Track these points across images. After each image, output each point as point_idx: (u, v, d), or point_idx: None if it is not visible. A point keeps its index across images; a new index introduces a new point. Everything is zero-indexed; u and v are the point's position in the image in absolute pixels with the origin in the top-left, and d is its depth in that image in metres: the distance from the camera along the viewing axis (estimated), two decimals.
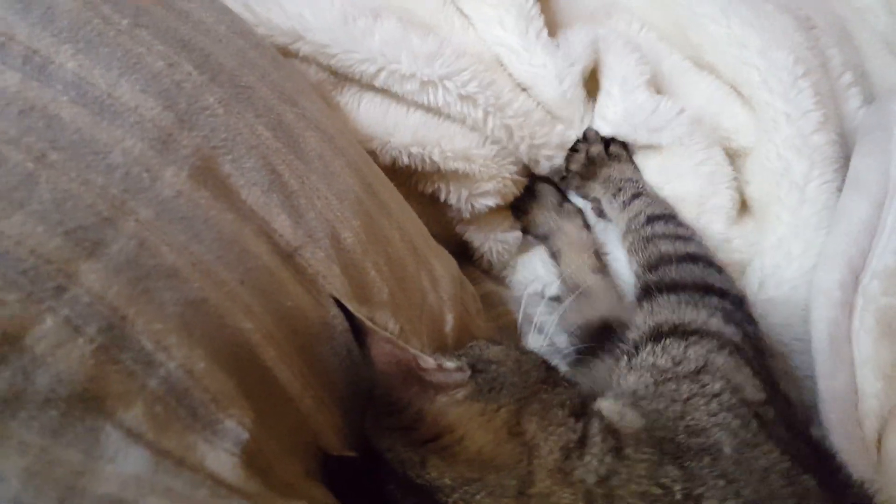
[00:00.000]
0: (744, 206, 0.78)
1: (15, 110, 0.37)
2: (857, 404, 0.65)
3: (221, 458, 0.37)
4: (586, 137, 0.79)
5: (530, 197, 0.83)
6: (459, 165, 0.71)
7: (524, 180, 0.80)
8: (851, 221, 0.68)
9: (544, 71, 0.73)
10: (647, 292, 0.64)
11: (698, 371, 0.53)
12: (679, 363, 0.54)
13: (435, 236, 0.72)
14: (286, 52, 0.66)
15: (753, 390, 0.53)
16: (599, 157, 0.79)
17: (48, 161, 0.37)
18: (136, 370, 0.35)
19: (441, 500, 0.42)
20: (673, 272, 0.66)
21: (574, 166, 0.79)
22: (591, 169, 0.79)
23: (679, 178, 0.76)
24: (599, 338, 0.69)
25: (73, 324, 0.33)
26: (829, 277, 0.68)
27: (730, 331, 0.58)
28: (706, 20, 0.77)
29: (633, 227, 0.74)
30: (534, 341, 0.72)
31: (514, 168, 0.77)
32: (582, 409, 0.48)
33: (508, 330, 0.78)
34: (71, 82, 0.40)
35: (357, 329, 0.46)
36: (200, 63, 0.48)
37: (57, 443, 0.31)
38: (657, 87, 0.79)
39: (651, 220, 0.73)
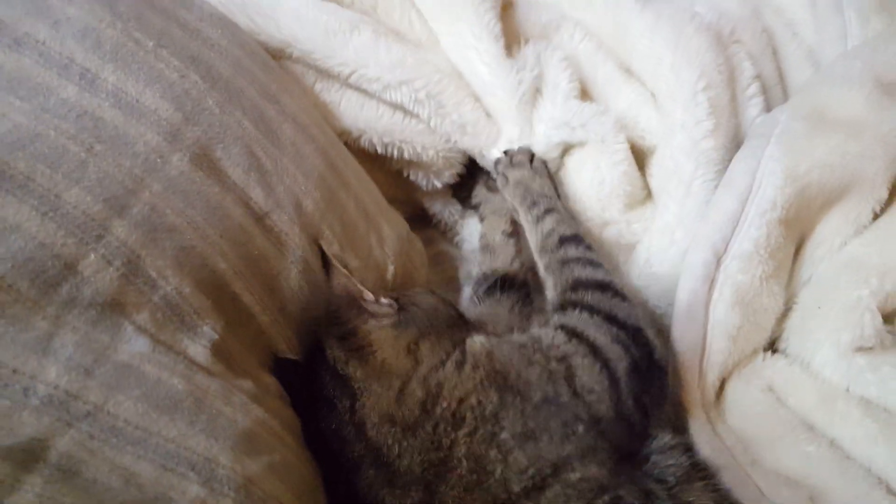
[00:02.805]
0: (649, 196, 0.95)
1: (74, 114, 0.56)
2: (701, 358, 0.83)
3: (198, 349, 0.57)
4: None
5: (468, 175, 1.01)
6: (421, 157, 0.90)
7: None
8: (719, 213, 0.85)
9: (501, 86, 0.90)
10: (563, 306, 0.79)
11: (558, 358, 0.70)
12: (549, 347, 0.71)
13: (400, 202, 0.92)
14: (281, 54, 0.85)
15: (591, 392, 0.69)
16: (520, 163, 0.92)
17: (95, 151, 0.56)
18: (145, 290, 0.55)
19: (351, 385, 0.64)
20: (587, 297, 0.78)
21: (500, 167, 0.94)
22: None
23: (596, 169, 0.92)
24: (492, 286, 0.89)
25: (107, 259, 0.53)
26: (696, 257, 0.85)
27: (612, 350, 0.73)
28: (636, 36, 0.93)
29: (549, 247, 0.85)
30: (466, 292, 0.93)
31: (461, 160, 0.95)
32: (461, 341, 0.69)
33: (453, 281, 0.98)
34: (111, 92, 0.59)
35: (326, 264, 0.67)
36: (204, 74, 0.67)
37: (94, 329, 0.51)
38: (591, 89, 0.95)
39: (563, 241, 0.85)
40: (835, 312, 0.85)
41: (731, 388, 0.85)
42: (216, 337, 0.58)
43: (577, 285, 0.81)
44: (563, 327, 0.75)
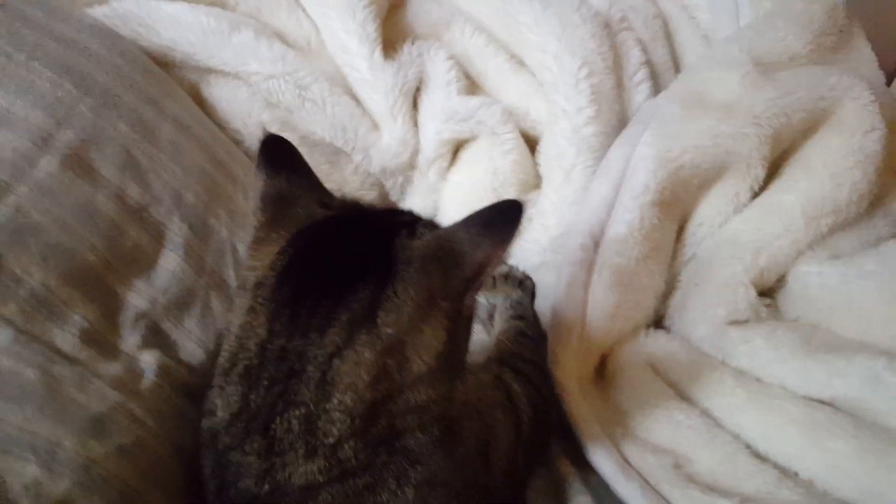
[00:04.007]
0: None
1: None
2: (581, 336, 0.86)
3: (66, 337, 0.62)
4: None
5: None
6: None
7: None
8: (595, 198, 0.89)
9: (380, 87, 0.94)
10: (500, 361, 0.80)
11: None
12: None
13: None
14: (165, 60, 0.90)
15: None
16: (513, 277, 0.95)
17: None
18: (11, 286, 0.60)
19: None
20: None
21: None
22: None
23: (489, 160, 0.97)
24: None
25: None
26: (574, 241, 0.89)
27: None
28: (524, 28, 0.96)
29: (510, 332, 0.87)
30: None
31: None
32: None
33: None
34: None
35: None
36: (78, 82, 0.72)
37: None
38: (483, 83, 0.99)
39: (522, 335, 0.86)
40: (711, 288, 0.89)
41: (611, 363, 0.90)
42: (87, 325, 0.63)
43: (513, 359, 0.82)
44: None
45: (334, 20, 0.93)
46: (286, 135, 0.92)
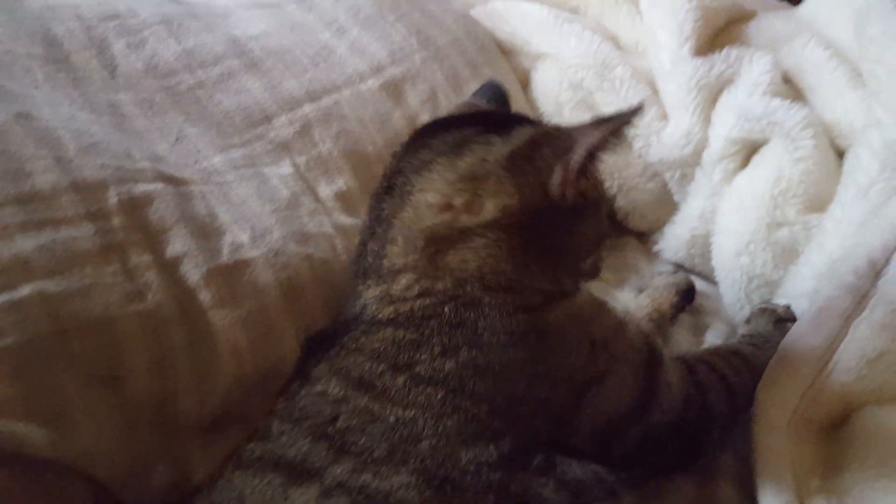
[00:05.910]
0: None
1: (318, 45, 0.91)
2: (818, 372, 0.70)
3: (327, 191, 0.81)
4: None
5: None
6: None
7: None
8: (886, 219, 0.71)
9: (678, 78, 0.96)
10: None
11: None
12: None
13: None
14: (510, 48, 1.12)
15: None
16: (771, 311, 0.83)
17: (318, 66, 0.89)
18: (308, 145, 0.84)
19: None
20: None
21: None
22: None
23: (773, 166, 0.86)
24: None
25: (291, 120, 0.85)
26: (847, 264, 0.72)
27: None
28: (867, 41, 0.85)
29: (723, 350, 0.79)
30: None
31: None
32: None
33: None
34: (351, 41, 0.93)
35: None
36: (422, 41, 0.98)
37: (264, 155, 0.82)
38: (809, 96, 0.91)
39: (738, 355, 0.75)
40: None
41: (866, 419, 0.69)
42: (344, 189, 0.83)
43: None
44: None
45: (656, 18, 1.00)
46: (581, 114, 1.01)
